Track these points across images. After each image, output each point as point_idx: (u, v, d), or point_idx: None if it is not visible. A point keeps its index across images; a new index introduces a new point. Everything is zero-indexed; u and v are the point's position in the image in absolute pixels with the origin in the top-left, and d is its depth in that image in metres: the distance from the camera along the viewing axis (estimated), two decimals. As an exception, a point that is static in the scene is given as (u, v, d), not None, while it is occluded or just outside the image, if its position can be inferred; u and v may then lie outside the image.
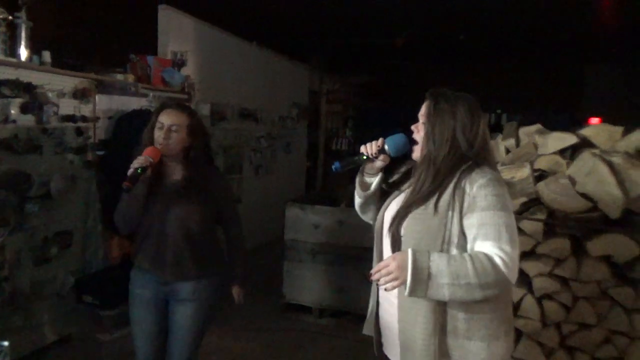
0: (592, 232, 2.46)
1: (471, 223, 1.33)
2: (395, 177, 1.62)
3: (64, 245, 3.17)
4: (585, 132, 2.85)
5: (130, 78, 3.58)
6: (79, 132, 3.20)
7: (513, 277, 1.29)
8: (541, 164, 2.76)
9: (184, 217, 1.97)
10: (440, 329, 1.37)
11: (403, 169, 1.61)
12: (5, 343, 1.23)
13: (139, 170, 1.80)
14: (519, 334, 2.51)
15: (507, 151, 3.17)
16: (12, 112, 2.74)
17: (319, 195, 5.37)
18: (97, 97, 3.34)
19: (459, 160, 1.40)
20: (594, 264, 2.40)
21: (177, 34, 4.35)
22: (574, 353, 2.48)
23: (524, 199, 2.58)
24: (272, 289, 4.11)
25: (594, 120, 6.70)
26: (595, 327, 2.41)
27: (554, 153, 2.74)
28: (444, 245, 1.35)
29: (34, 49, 2.94)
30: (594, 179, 2.40)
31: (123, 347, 3.08)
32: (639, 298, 2.35)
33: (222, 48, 5.11)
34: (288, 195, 5.50)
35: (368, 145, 1.52)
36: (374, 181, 1.58)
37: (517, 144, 3.15)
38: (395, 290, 1.36)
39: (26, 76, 2.82)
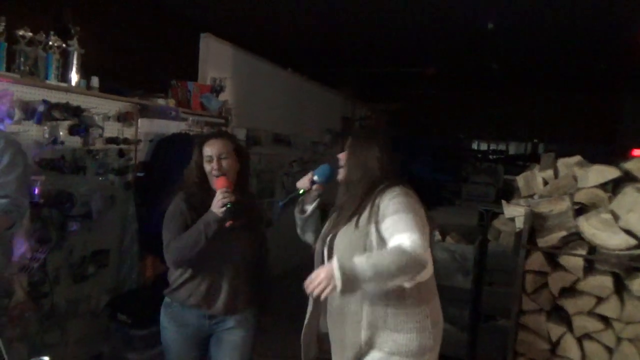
0: (636, 270, 2.37)
1: (386, 227, 1.58)
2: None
3: (100, 264, 3.25)
4: (628, 165, 2.77)
5: (171, 103, 3.69)
6: (121, 154, 3.31)
7: (424, 257, 1.50)
8: (581, 197, 2.70)
9: (243, 250, 1.95)
10: (369, 325, 1.62)
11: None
12: (46, 358, 1.25)
13: (228, 206, 1.81)
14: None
15: (545, 182, 3.11)
16: (61, 133, 2.86)
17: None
18: (139, 120, 3.46)
19: (373, 184, 1.68)
20: (639, 304, 2.30)
21: (217, 61, 4.49)
22: (617, 398, 2.37)
23: (563, 233, 2.52)
24: (299, 317, 4.07)
25: (638, 152, 6.49)
26: (640, 371, 2.31)
27: (595, 187, 2.68)
28: (366, 252, 1.59)
29: (82, 74, 3.08)
30: (639, 214, 2.33)
31: (153, 368, 3.10)
32: (688, 342, 2.24)
33: (259, 74, 5.24)
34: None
35: (301, 180, 1.83)
36: (310, 207, 1.87)
37: (556, 176, 3.08)
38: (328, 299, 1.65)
39: (75, 100, 2.96)
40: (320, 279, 1.48)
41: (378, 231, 1.61)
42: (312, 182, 1.81)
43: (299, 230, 1.94)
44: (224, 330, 1.98)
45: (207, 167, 1.93)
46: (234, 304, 1.94)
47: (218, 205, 1.80)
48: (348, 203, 1.71)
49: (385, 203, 1.61)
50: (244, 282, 1.96)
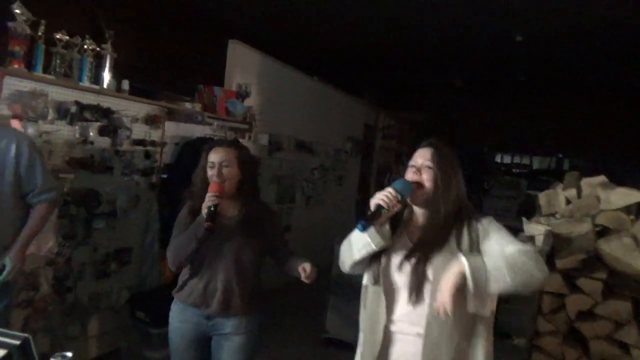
0: (657, 296, 2.33)
1: (490, 245, 1.48)
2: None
3: (123, 262, 3.34)
4: (653, 189, 2.73)
5: (198, 107, 3.77)
6: (147, 155, 3.40)
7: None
8: (603, 219, 2.66)
9: (238, 253, 1.99)
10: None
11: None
12: (69, 354, 1.29)
13: (212, 209, 1.86)
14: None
15: (568, 202, 3.07)
16: (91, 134, 2.96)
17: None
18: (166, 123, 3.55)
19: (458, 204, 1.56)
20: (659, 332, 2.26)
21: (244, 67, 4.57)
22: None
23: (582, 256, 2.49)
24: (314, 322, 4.11)
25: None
26: (657, 401, 2.26)
27: (618, 209, 2.64)
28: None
29: (113, 77, 3.17)
30: (661, 241, 2.29)
31: (169, 366, 3.16)
32: None
33: (284, 81, 5.30)
34: (336, 227, 5.51)
35: (385, 197, 1.52)
36: (387, 229, 1.60)
37: (579, 195, 3.04)
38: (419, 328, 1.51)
39: (106, 102, 3.05)
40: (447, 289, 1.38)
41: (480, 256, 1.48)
42: (399, 201, 1.55)
43: (356, 262, 1.62)
44: (222, 335, 2.02)
45: (209, 172, 1.99)
46: (227, 305, 1.98)
47: (203, 206, 1.88)
48: (436, 224, 1.55)
49: (486, 225, 1.53)
50: (238, 286, 1.99)
